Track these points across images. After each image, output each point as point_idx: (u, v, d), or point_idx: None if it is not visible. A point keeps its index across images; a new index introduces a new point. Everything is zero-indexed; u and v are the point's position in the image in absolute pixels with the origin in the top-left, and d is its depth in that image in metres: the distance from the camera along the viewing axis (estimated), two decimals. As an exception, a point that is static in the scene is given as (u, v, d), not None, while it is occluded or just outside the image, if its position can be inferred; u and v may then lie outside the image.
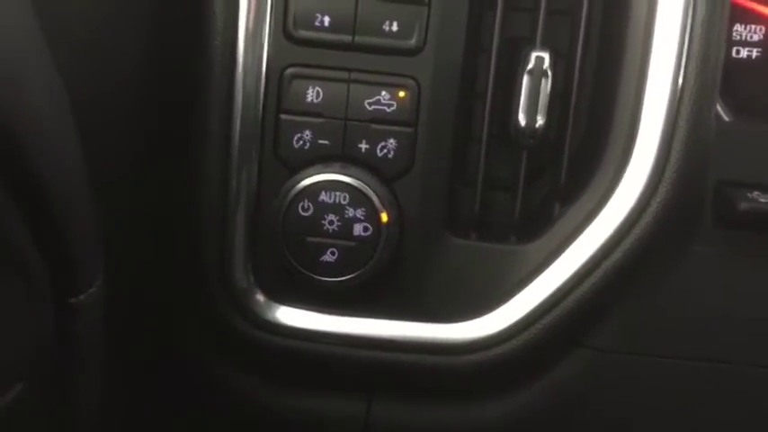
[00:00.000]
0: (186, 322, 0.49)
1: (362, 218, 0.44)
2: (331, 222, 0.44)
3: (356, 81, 0.45)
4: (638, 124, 0.44)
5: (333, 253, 0.44)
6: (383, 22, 0.44)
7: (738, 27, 0.48)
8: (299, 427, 0.50)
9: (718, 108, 0.47)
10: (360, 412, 0.50)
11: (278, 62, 0.45)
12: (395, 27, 0.44)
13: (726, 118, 0.47)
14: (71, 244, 0.31)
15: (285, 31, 0.45)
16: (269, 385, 0.49)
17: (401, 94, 0.45)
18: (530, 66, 0.44)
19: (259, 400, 0.49)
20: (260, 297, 0.46)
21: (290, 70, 0.45)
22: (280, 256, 0.45)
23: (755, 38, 0.48)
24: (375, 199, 0.44)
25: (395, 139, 0.45)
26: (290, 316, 0.46)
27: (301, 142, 0.45)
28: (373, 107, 0.45)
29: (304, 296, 0.46)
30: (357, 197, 0.44)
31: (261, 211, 0.45)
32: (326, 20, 0.44)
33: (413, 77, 0.45)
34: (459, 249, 0.47)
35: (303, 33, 0.45)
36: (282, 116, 0.45)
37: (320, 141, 0.45)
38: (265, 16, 0.45)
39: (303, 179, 0.44)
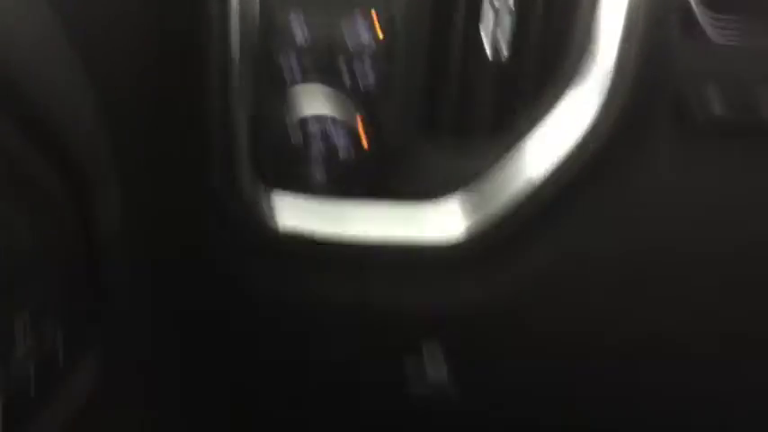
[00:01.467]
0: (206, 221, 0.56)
1: (343, 140, 0.50)
2: (318, 146, 0.50)
3: (335, 13, 0.49)
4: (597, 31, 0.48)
5: (320, 170, 0.51)
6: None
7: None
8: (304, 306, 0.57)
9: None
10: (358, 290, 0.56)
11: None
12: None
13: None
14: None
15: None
16: (273, 269, 0.56)
17: (376, 20, 0.49)
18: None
19: (266, 284, 0.57)
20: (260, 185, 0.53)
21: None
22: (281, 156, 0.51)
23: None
24: (353, 123, 0.49)
25: (372, 61, 0.50)
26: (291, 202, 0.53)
27: (293, 71, 0.50)
28: (353, 34, 0.49)
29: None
30: (338, 124, 0.49)
31: (262, 125, 0.51)
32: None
33: (385, 4, 0.49)
34: (439, 147, 0.52)
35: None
36: (276, 46, 0.50)
37: (308, 70, 0.50)
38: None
39: (294, 108, 0.50)
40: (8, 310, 0.34)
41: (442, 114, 0.52)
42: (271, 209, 0.53)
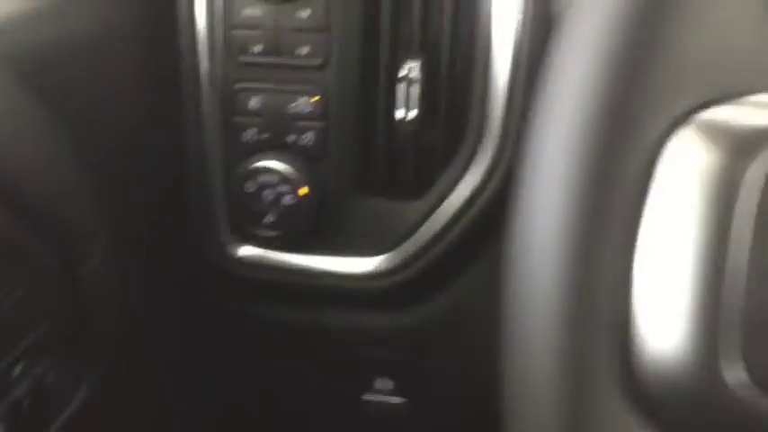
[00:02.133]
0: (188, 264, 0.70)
1: (288, 192, 0.62)
2: (267, 196, 0.63)
3: (282, 91, 0.62)
4: (488, 110, 0.60)
5: (271, 216, 0.63)
6: (298, 47, 0.61)
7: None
8: (272, 330, 0.71)
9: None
10: (316, 318, 0.70)
11: (229, 79, 0.63)
12: (306, 51, 0.61)
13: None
14: (65, 227, 0.50)
15: (232, 57, 0.62)
16: (245, 300, 0.70)
17: (314, 99, 0.62)
18: (401, 74, 0.60)
19: (241, 310, 0.71)
20: (231, 240, 0.66)
21: (237, 85, 0.63)
22: (235, 217, 0.64)
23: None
24: (296, 177, 0.62)
25: (313, 132, 0.63)
26: (252, 253, 0.66)
27: (249, 136, 0.64)
28: (296, 109, 0.62)
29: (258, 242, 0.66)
30: (284, 177, 0.62)
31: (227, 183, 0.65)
32: (258, 48, 0.62)
33: (322, 86, 0.62)
34: (368, 207, 0.64)
35: (243, 58, 0.62)
36: (235, 118, 0.64)
37: (261, 135, 0.63)
38: (217, 47, 0.63)
39: (250, 164, 0.63)
40: (6, 358, 0.42)
41: (371, 176, 0.64)
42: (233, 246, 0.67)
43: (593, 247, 0.26)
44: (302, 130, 0.63)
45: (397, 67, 0.61)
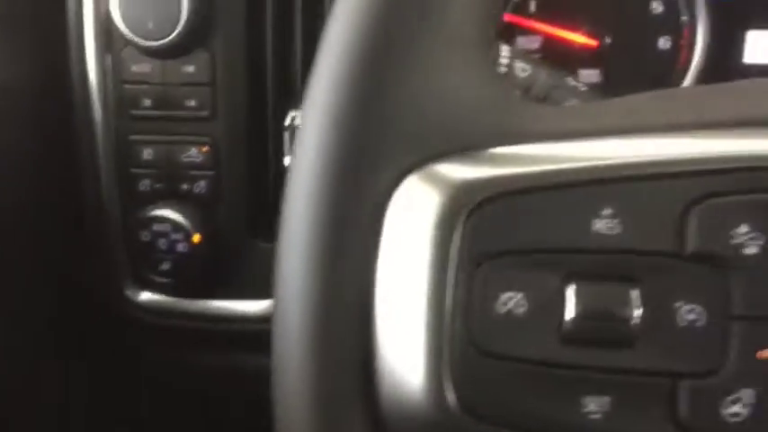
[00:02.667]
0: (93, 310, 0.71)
1: (181, 239, 0.64)
2: (162, 244, 0.65)
3: (174, 142, 0.65)
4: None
5: (166, 264, 0.65)
6: (186, 100, 0.64)
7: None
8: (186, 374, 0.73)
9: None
10: (222, 361, 0.72)
11: (123, 132, 0.65)
12: (193, 103, 0.64)
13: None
14: None
15: (124, 111, 0.65)
16: (151, 345, 0.72)
17: (204, 149, 0.64)
18: (287, 122, 0.63)
19: (147, 356, 0.72)
20: (132, 286, 0.68)
21: (131, 137, 0.65)
22: (134, 264, 0.66)
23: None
24: (189, 226, 0.64)
25: (205, 180, 0.65)
26: (153, 299, 0.68)
27: (144, 186, 0.66)
28: (187, 159, 0.65)
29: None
30: (176, 226, 0.64)
31: (124, 232, 0.67)
32: (148, 102, 0.64)
33: (211, 136, 0.64)
34: (263, 250, 0.67)
35: (135, 112, 0.64)
36: (131, 169, 0.66)
37: (156, 185, 0.65)
38: (110, 102, 0.65)
39: (145, 213, 0.65)
40: None
41: (264, 221, 0.67)
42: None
43: (333, 289, 0.29)
44: (195, 179, 0.65)
45: (284, 116, 0.64)
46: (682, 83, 0.71)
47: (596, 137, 0.31)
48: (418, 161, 0.30)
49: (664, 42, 0.71)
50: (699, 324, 0.29)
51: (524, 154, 0.31)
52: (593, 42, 0.72)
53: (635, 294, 0.29)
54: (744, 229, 0.29)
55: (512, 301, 0.29)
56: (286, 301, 0.30)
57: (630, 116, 0.32)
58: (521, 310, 0.29)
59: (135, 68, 0.64)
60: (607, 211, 0.29)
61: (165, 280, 0.66)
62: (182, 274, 0.66)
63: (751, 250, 0.29)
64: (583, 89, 0.47)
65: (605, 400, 0.29)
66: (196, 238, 0.65)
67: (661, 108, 0.32)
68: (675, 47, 0.71)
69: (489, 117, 0.31)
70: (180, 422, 0.78)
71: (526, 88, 0.45)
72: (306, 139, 0.30)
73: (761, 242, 0.29)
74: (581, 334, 0.29)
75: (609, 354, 0.29)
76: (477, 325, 0.29)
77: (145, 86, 0.64)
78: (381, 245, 0.29)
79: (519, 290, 0.29)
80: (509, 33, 0.74)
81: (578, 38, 0.73)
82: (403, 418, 0.28)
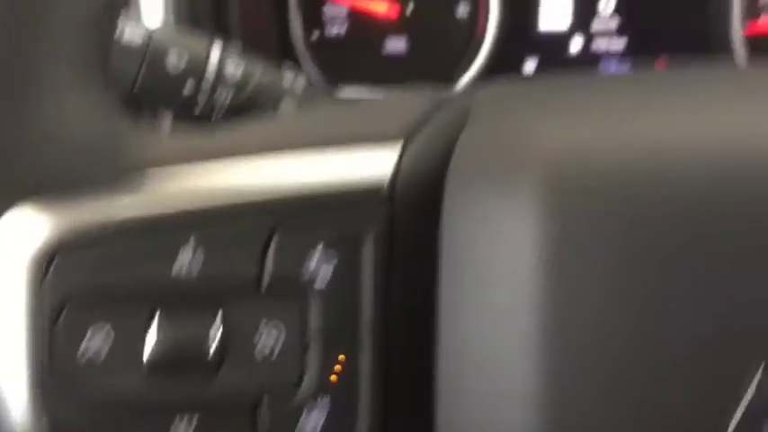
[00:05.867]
0: None
1: None
2: None
3: None
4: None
5: None
6: None
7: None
8: None
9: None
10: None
11: None
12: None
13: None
14: None
15: None
16: None
17: None
18: None
19: None
20: None
21: None
22: None
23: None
24: None
25: None
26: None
27: None
28: None
29: None
30: None
31: None
32: None
33: None
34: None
35: None
36: None
37: None
38: None
39: None
40: None
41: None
42: None
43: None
44: None
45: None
46: (480, 51, 0.71)
47: (195, 162, 0.31)
48: (8, 203, 0.30)
49: (462, 10, 0.71)
50: (277, 348, 0.30)
51: (117, 190, 0.31)
52: (393, 12, 0.72)
53: (217, 321, 0.30)
54: (317, 255, 0.30)
55: (96, 343, 0.30)
56: None
57: (231, 141, 0.32)
58: (104, 353, 0.30)
59: None
60: (190, 243, 0.30)
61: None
62: None
63: (325, 275, 0.30)
64: (300, 88, 0.47)
65: (192, 425, 0.30)
66: None
67: (260, 133, 0.33)
68: (473, 15, 0.71)
69: (85, 150, 0.31)
70: None
71: (238, 88, 0.45)
72: None
73: (332, 266, 0.30)
74: (164, 365, 0.30)
75: (193, 381, 0.30)
76: (65, 372, 0.30)
77: None
78: None
79: (105, 331, 0.30)
80: (317, 3, 0.73)
81: (380, 7, 0.72)
82: None
